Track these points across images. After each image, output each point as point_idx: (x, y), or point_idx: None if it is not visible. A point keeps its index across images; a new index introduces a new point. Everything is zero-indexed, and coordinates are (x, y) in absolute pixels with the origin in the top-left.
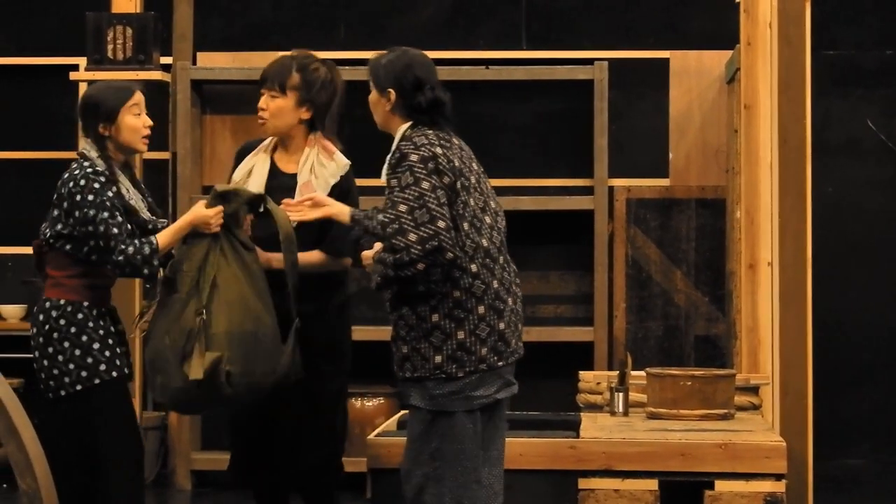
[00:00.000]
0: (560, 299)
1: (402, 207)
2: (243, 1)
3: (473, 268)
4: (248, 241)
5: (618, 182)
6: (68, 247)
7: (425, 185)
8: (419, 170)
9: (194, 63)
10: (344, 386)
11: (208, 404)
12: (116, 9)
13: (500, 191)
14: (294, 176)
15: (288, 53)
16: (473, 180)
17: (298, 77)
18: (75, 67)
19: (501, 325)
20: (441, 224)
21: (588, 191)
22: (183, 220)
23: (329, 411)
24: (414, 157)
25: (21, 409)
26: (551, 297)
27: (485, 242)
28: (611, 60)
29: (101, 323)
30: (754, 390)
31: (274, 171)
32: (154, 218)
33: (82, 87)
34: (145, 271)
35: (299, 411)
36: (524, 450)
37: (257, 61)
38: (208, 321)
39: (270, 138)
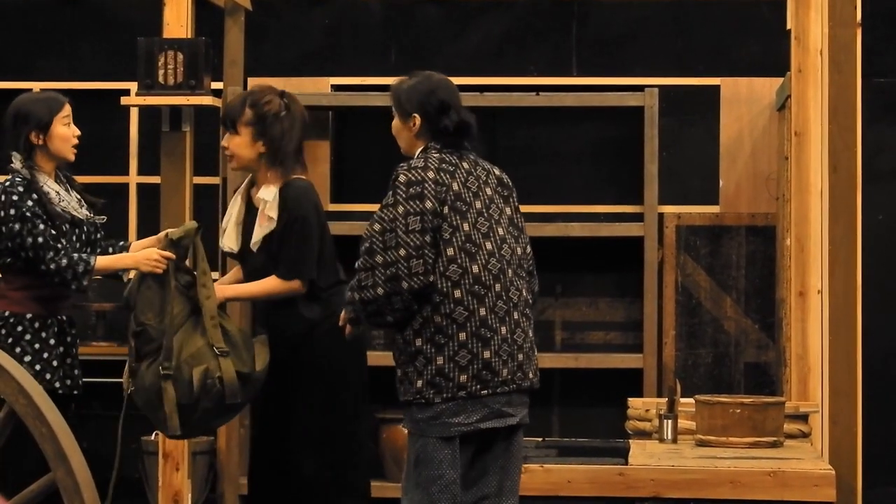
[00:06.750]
0: (609, 326)
1: (377, 227)
2: (295, 26)
3: (457, 293)
4: (189, 271)
5: (668, 209)
6: (9, 260)
7: (401, 209)
8: (401, 192)
9: (245, 88)
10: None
11: (214, 418)
12: (168, 34)
13: (550, 217)
14: None
15: (247, 90)
16: (479, 205)
17: (251, 113)
18: (126, 92)
19: (486, 354)
20: (402, 252)
21: (638, 217)
22: (129, 258)
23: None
24: (402, 178)
25: (70, 435)
26: (601, 323)
27: (475, 268)
28: (661, 87)
29: (43, 335)
30: (804, 418)
31: (249, 207)
32: (93, 216)
33: (133, 113)
34: (74, 286)
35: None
36: (572, 476)
37: (309, 87)
38: (178, 354)
39: (247, 180)
